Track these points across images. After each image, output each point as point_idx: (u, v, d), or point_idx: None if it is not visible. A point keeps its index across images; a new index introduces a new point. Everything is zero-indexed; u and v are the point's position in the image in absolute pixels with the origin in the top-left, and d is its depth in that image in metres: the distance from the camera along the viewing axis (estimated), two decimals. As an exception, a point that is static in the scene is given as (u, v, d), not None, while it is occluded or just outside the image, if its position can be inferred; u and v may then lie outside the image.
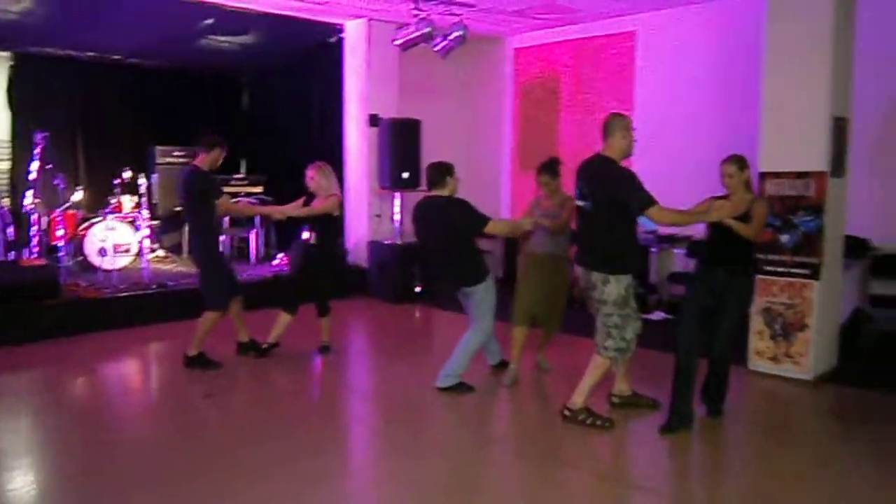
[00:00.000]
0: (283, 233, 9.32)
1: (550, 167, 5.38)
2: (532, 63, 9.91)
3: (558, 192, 5.39)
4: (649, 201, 4.12)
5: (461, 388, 5.16)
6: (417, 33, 6.97)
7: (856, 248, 6.54)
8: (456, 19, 7.23)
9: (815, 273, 5.39)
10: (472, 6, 7.55)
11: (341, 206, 6.07)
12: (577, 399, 4.45)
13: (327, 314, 6.17)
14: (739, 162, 4.44)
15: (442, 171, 5.11)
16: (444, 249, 5.16)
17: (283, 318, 6.01)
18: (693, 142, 7.87)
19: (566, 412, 4.50)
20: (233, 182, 10.33)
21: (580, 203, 4.44)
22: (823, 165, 5.30)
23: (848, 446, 4.43)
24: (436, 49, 7.25)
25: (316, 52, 9.77)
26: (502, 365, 5.55)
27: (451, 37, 7.14)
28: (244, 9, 7.94)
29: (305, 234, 6.08)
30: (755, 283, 4.68)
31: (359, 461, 4.32)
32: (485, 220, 4.99)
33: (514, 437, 4.62)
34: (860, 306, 6.61)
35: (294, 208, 5.98)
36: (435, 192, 5.13)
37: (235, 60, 10.65)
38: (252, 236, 9.60)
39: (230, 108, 11.67)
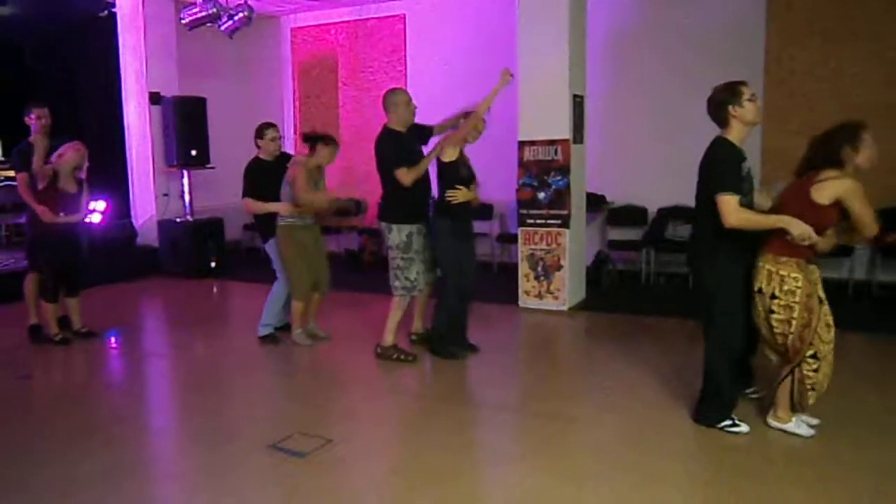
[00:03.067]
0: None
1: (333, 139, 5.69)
2: (309, 42, 10.37)
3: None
4: (398, 164, 4.93)
5: (274, 337, 5.78)
6: (205, 13, 7.15)
7: (596, 202, 7.99)
8: (240, 0, 7.50)
9: (565, 223, 6.60)
10: (254, -12, 7.88)
11: None
12: (387, 337, 5.20)
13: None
14: None
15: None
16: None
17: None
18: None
19: (378, 350, 5.24)
20: (-8, 164, 9.65)
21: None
22: (567, 134, 6.50)
23: (597, 349, 5.63)
24: (221, 29, 7.47)
25: (85, 26, 9.38)
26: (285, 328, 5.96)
27: (237, 17, 7.41)
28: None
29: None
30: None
31: (180, 403, 4.68)
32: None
33: (332, 372, 5.23)
34: (601, 250, 8.08)
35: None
36: None
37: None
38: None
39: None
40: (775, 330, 3.68)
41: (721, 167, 3.67)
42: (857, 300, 6.83)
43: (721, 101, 3.71)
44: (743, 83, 3.71)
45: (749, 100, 3.67)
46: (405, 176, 4.97)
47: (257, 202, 5.58)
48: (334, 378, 5.17)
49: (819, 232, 3.54)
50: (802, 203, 3.57)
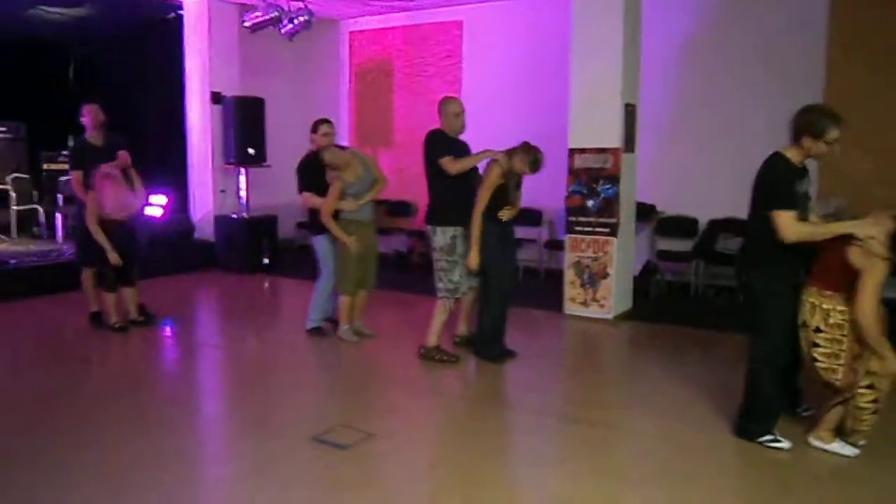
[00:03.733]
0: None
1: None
2: (366, 46, 10.55)
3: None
4: (442, 154, 5.04)
5: (319, 331, 5.96)
6: (267, 17, 7.37)
7: (645, 212, 7.93)
8: (301, 4, 7.70)
9: (613, 231, 6.59)
10: (315, -8, 8.08)
11: None
12: (430, 339, 5.28)
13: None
14: None
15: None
16: None
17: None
18: (511, 122, 8.88)
19: (422, 350, 5.33)
20: (60, 158, 10.09)
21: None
22: (618, 142, 6.49)
23: (641, 359, 5.62)
24: (282, 32, 7.68)
25: (153, 27, 9.76)
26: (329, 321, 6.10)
27: (298, 20, 7.61)
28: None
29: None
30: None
31: (227, 402, 4.84)
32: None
33: (376, 369, 5.34)
34: (650, 259, 8.02)
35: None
36: None
37: (65, 32, 10.33)
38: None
39: (57, 81, 11.25)
40: (819, 364, 3.63)
41: (775, 184, 3.68)
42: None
43: (805, 123, 3.64)
44: (837, 123, 3.58)
45: (826, 142, 3.60)
46: (450, 164, 5.06)
47: (314, 196, 5.70)
48: (377, 375, 5.28)
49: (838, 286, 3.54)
50: (838, 248, 3.54)
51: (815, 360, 3.64)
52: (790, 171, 3.69)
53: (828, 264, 3.63)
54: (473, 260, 5.04)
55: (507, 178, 5.06)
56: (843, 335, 3.56)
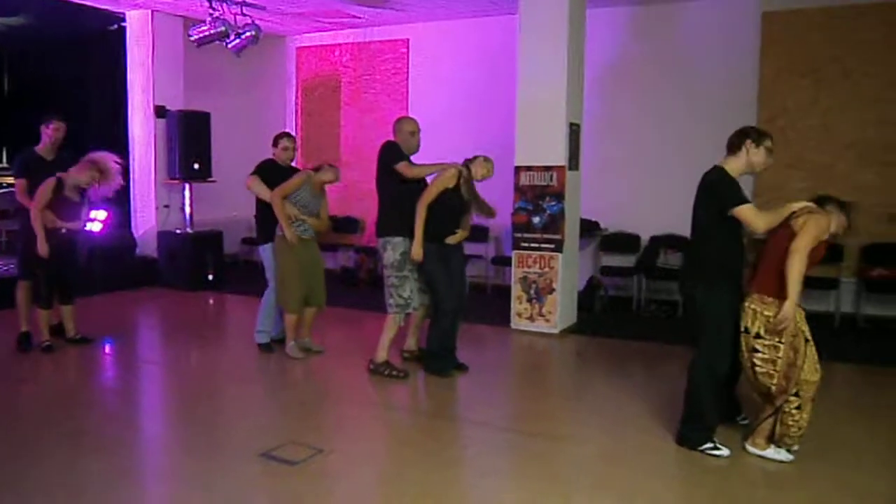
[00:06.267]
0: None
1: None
2: (313, 62, 10.56)
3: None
4: (398, 161, 5.12)
5: (270, 347, 5.93)
6: (213, 31, 7.32)
7: (589, 228, 8.12)
8: (248, 19, 7.67)
9: (558, 247, 6.73)
10: (262, 8, 8.05)
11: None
12: (379, 354, 5.29)
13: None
14: None
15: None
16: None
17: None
18: (458, 139, 8.95)
19: (371, 365, 5.34)
20: (-3, 171, 9.81)
21: None
22: (563, 160, 6.65)
23: (586, 372, 5.74)
24: (229, 47, 7.63)
25: (94, 38, 9.58)
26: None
27: (245, 36, 7.58)
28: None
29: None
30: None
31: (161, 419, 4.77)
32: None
33: (324, 385, 5.32)
34: (594, 275, 8.20)
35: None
36: None
37: (1, 41, 10.05)
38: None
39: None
40: (758, 370, 3.79)
41: (725, 186, 3.87)
42: (843, 332, 6.95)
43: (745, 132, 3.92)
44: (771, 138, 3.93)
45: (767, 148, 3.88)
46: (406, 168, 5.13)
47: (261, 184, 5.62)
48: (326, 391, 5.26)
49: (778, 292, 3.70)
50: (782, 236, 3.76)
51: (755, 365, 3.80)
52: (731, 177, 3.89)
53: (768, 267, 3.79)
54: (416, 251, 5.08)
55: (461, 184, 5.15)
56: (781, 342, 3.73)
